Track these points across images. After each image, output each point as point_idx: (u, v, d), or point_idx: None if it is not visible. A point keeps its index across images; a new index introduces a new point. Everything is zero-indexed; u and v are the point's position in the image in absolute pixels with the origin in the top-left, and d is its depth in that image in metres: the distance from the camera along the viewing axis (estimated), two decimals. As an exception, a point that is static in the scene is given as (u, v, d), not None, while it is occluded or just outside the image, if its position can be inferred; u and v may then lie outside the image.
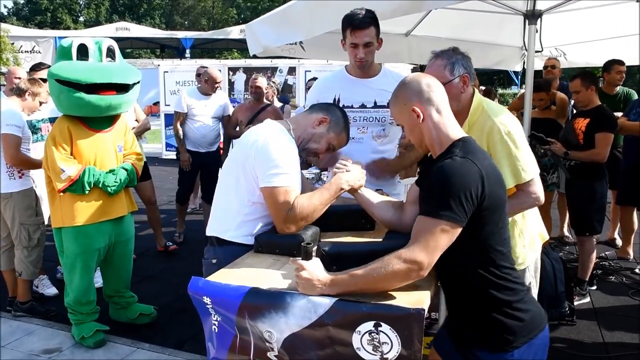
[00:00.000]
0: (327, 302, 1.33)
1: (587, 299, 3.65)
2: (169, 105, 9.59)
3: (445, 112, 1.51)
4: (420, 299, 1.35)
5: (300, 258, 1.41)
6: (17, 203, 3.32)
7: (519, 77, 18.02)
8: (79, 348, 3.02)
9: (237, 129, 4.81)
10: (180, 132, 4.76)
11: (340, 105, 2.43)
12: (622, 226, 4.54)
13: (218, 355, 1.54)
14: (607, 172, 3.61)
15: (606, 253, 4.55)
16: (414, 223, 1.40)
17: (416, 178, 1.85)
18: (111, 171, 3.02)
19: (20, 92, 3.42)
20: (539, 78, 4.26)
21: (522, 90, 4.09)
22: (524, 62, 5.18)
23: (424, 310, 1.27)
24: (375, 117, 2.48)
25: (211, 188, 2.41)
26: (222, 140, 5.16)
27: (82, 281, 3.00)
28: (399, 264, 1.31)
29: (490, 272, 1.43)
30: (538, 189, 1.91)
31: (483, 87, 6.11)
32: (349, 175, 1.82)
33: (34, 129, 3.59)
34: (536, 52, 3.51)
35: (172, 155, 8.44)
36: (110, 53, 3.01)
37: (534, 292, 2.22)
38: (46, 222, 3.54)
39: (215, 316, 1.49)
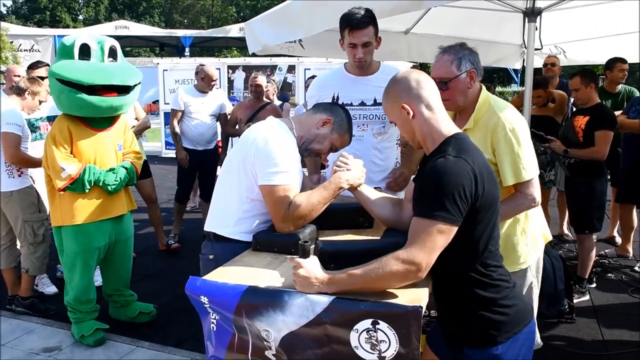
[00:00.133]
0: (324, 300, 1.33)
1: (587, 297, 3.65)
2: (168, 103, 9.55)
3: (437, 108, 1.50)
4: (418, 297, 1.35)
5: (298, 256, 1.41)
6: (19, 201, 3.33)
7: (519, 75, 18.01)
8: (79, 346, 3.02)
9: (237, 127, 4.81)
10: (177, 129, 4.74)
11: (340, 103, 2.43)
12: (621, 224, 4.54)
13: (217, 354, 1.54)
14: (609, 170, 3.60)
15: (606, 251, 4.55)
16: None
17: (414, 176, 1.85)
18: (111, 170, 3.01)
19: (20, 91, 3.43)
20: (538, 75, 4.26)
21: (522, 89, 4.09)
22: (523, 60, 5.17)
23: (421, 307, 1.27)
24: (375, 115, 2.48)
25: (209, 186, 2.41)
26: (219, 138, 5.14)
27: (82, 280, 3.01)
28: (397, 265, 1.31)
29: (476, 271, 1.44)
30: (535, 191, 1.90)
31: (483, 85, 6.09)
32: (349, 174, 1.81)
33: (33, 127, 3.59)
34: (536, 49, 3.51)
35: (171, 153, 8.44)
36: (112, 53, 3.00)
37: (536, 292, 2.20)
38: (46, 221, 3.55)
39: (214, 315, 1.49)
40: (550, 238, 2.28)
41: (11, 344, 3.06)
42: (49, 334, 3.18)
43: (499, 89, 19.49)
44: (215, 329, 1.51)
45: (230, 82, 9.73)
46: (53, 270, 4.03)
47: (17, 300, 3.46)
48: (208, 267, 1.72)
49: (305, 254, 1.40)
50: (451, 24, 4.42)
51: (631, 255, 4.44)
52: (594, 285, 3.86)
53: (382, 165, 2.57)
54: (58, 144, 2.85)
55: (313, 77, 5.73)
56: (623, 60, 4.48)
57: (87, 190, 2.89)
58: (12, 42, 13.84)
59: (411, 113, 1.48)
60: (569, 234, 4.83)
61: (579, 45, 4.95)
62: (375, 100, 2.44)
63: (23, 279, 3.43)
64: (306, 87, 6.05)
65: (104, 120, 3.03)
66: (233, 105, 5.37)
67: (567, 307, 3.25)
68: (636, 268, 4.20)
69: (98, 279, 3.54)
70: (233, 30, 17.27)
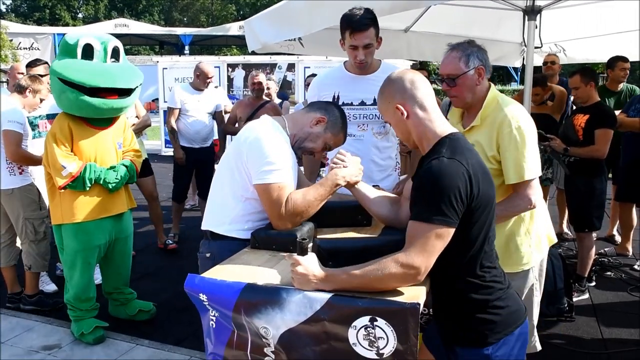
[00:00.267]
0: (323, 297, 1.33)
1: (586, 295, 3.65)
2: (167, 102, 9.58)
3: (431, 108, 1.50)
4: (415, 294, 1.35)
5: (296, 254, 1.41)
6: (20, 198, 3.34)
7: (519, 73, 17.99)
8: (78, 344, 3.03)
9: (237, 125, 4.81)
10: (175, 126, 4.73)
11: (340, 102, 2.43)
12: (621, 223, 4.54)
13: (216, 351, 1.54)
14: (609, 168, 3.60)
15: (605, 249, 4.56)
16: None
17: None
18: (112, 168, 3.02)
19: (20, 90, 3.43)
20: (536, 74, 4.25)
21: (522, 87, 4.08)
22: (523, 59, 5.17)
23: (419, 304, 1.27)
24: (375, 114, 2.47)
25: (206, 184, 2.41)
26: (215, 136, 5.12)
27: (82, 278, 3.01)
28: (396, 268, 1.31)
29: (470, 272, 1.44)
30: (533, 194, 1.89)
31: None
32: (346, 170, 1.81)
33: (32, 125, 3.59)
34: (536, 48, 3.50)
35: (171, 152, 8.34)
36: (115, 54, 2.99)
37: (537, 296, 2.16)
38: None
39: (213, 312, 1.49)
40: (555, 240, 2.25)
41: (11, 341, 3.07)
42: (49, 332, 3.18)
43: (498, 87, 19.45)
44: (214, 326, 1.51)
45: (230, 80, 9.72)
46: (53, 269, 4.03)
47: (24, 298, 3.47)
48: (205, 265, 1.72)
49: (303, 252, 1.41)
50: (451, 22, 4.42)
51: (631, 253, 4.44)
52: (593, 283, 3.87)
53: (383, 164, 2.56)
54: (59, 142, 2.85)
55: (313, 75, 5.72)
56: (624, 59, 4.48)
57: (87, 188, 2.89)
58: (11, 40, 13.82)
59: (405, 113, 1.48)
60: (569, 232, 4.84)
61: (578, 43, 4.95)
62: (375, 99, 2.44)
63: (27, 276, 3.44)
64: (306, 86, 6.05)
65: (104, 119, 3.03)
66: (233, 103, 5.36)
67: (566, 305, 3.26)
68: (636, 267, 4.20)
69: (98, 277, 3.54)
70: (233, 29, 17.24)
